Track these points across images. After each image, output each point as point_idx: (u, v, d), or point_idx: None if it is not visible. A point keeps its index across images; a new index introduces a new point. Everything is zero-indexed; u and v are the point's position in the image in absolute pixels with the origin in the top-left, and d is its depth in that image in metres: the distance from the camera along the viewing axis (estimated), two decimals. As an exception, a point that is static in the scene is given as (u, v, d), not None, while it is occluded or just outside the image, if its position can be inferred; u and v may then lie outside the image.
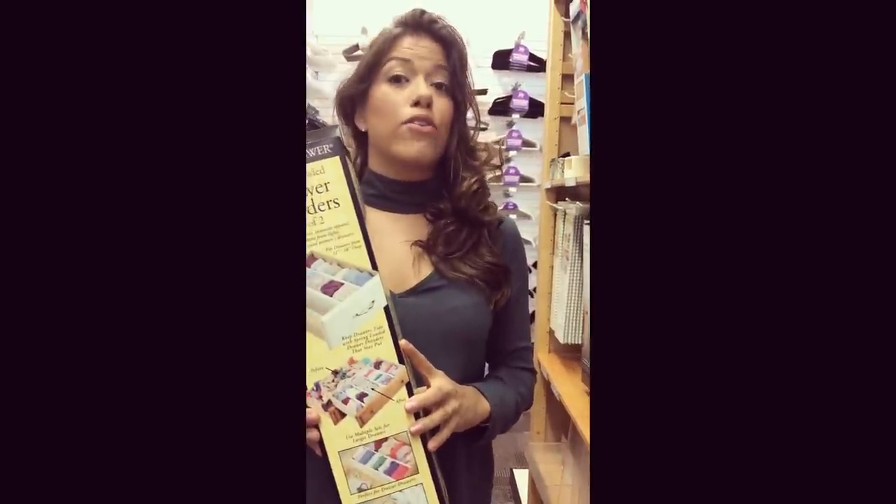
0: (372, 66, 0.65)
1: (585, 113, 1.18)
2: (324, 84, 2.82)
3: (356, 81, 0.67)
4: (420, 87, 0.63)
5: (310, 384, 0.53)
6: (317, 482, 0.55)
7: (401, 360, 0.54)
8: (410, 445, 0.54)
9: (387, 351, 0.54)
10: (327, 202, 0.52)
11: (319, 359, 0.53)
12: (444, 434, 0.57)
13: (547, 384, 1.50)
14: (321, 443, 0.54)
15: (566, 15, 1.37)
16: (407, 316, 0.60)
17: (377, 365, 0.53)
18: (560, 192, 1.46)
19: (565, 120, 1.49)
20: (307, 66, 2.76)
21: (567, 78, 1.47)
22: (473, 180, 0.67)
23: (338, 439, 0.53)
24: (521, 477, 1.92)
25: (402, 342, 0.55)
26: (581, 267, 1.28)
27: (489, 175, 0.71)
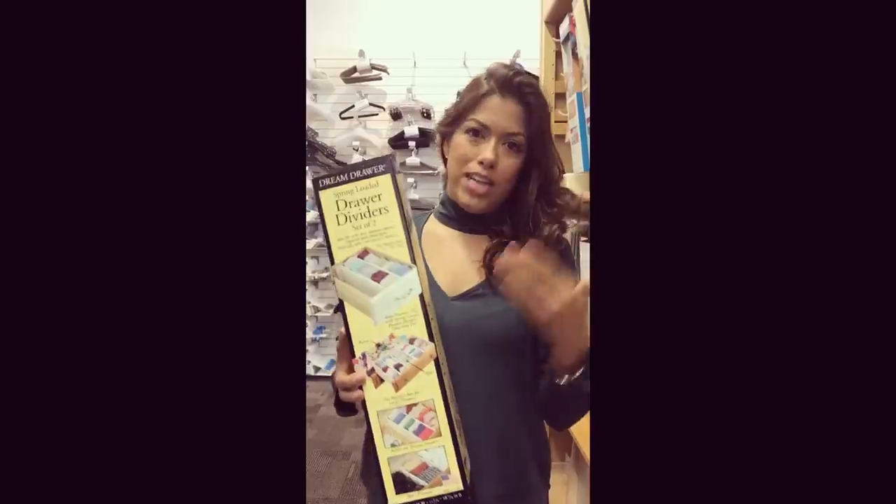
0: (457, 117, 0.75)
1: (578, 131, 1.19)
2: (322, 106, 2.86)
3: (445, 123, 0.77)
4: (488, 150, 0.71)
5: (357, 353, 0.64)
6: (378, 479, 0.64)
7: (431, 339, 0.64)
8: (436, 411, 0.64)
9: (420, 330, 0.64)
10: (379, 209, 0.65)
11: (366, 333, 0.64)
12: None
13: (549, 402, 1.48)
14: (364, 403, 0.64)
15: (557, 36, 1.39)
16: (454, 317, 0.70)
17: (411, 341, 0.64)
18: (556, 210, 1.47)
19: (559, 138, 1.51)
20: (307, 88, 2.80)
21: (560, 97, 1.48)
22: (555, 227, 0.74)
23: (377, 401, 0.64)
24: (527, 497, 1.89)
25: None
26: (579, 284, 1.28)
27: (570, 223, 0.77)
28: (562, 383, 0.66)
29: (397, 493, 0.63)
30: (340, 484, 2.06)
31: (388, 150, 2.91)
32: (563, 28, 1.22)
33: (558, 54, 1.45)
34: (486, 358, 0.71)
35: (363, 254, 0.64)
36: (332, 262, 0.65)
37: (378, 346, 0.64)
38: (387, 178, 0.64)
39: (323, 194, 0.65)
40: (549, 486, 0.80)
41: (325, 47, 2.79)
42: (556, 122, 1.52)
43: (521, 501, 0.75)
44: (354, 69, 2.74)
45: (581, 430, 1.09)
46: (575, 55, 1.16)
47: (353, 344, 0.64)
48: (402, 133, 2.80)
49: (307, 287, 2.90)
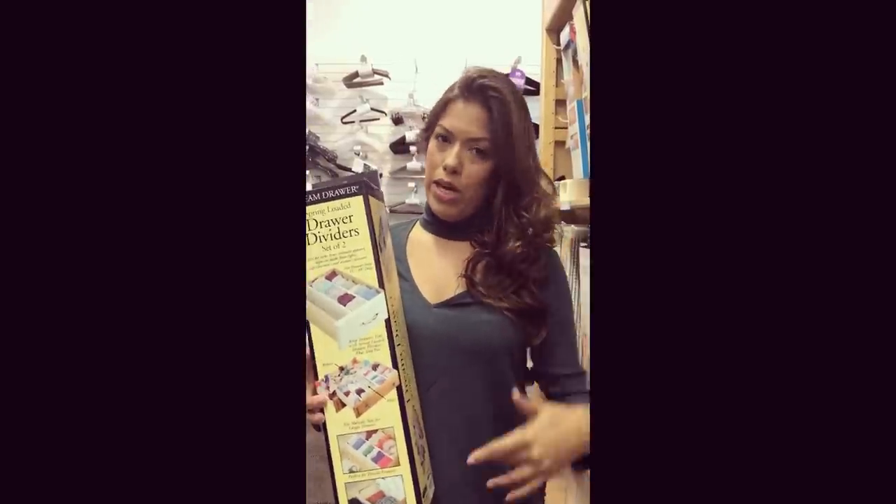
0: (429, 124, 0.76)
1: (578, 137, 1.20)
2: (324, 111, 2.86)
3: (424, 129, 0.78)
4: (451, 155, 0.71)
5: (321, 376, 0.64)
6: None
7: (395, 366, 0.63)
8: (395, 440, 0.63)
9: (383, 356, 0.63)
10: (349, 231, 0.64)
11: (330, 356, 0.64)
12: (522, 490, 0.59)
13: (547, 407, 1.48)
14: (324, 425, 0.64)
15: (557, 43, 1.40)
16: (437, 325, 0.70)
17: (374, 367, 0.64)
18: (556, 215, 1.48)
19: (559, 144, 1.51)
20: (308, 93, 2.81)
21: (560, 103, 1.49)
22: (517, 244, 0.71)
23: (337, 425, 0.64)
24: (525, 502, 1.88)
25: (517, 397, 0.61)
26: (578, 290, 1.28)
27: (543, 235, 0.74)
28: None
29: None
30: (338, 488, 2.05)
31: (389, 155, 2.92)
32: (564, 36, 1.23)
33: (559, 61, 1.46)
34: (469, 367, 0.69)
35: (331, 275, 0.64)
36: None
37: (341, 369, 0.63)
38: (359, 199, 0.63)
39: None
40: (544, 494, 0.79)
41: (327, 52, 2.79)
42: (556, 128, 1.54)
43: None
44: (356, 74, 2.75)
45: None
46: (575, 62, 1.17)
47: (317, 366, 0.64)
48: (404, 138, 2.81)
49: (307, 290, 2.89)
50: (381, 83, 2.77)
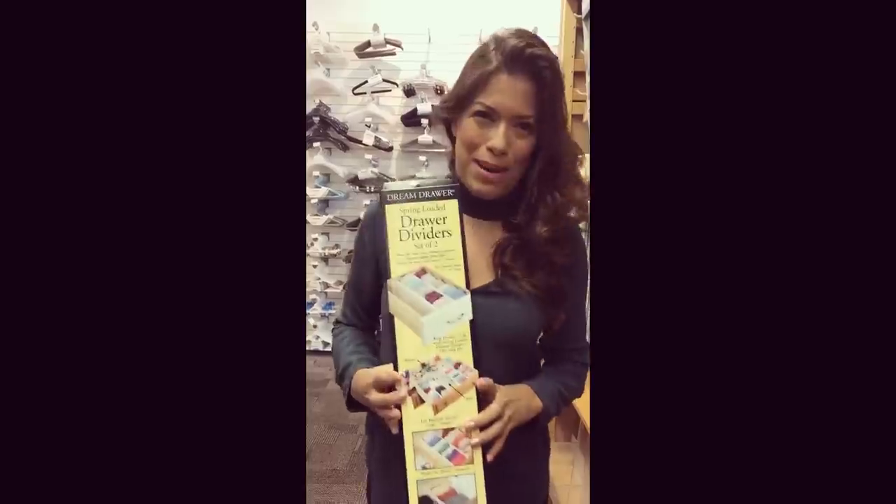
0: (463, 99, 0.68)
1: (597, 111, 1.17)
2: (335, 81, 2.83)
3: (450, 106, 0.71)
4: (498, 136, 0.66)
5: (402, 371, 0.65)
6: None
7: (476, 365, 0.65)
8: (471, 438, 0.65)
9: (465, 355, 0.65)
10: (443, 231, 0.67)
11: (413, 352, 0.65)
12: (497, 447, 0.65)
13: (557, 383, 1.49)
14: (400, 421, 0.64)
15: (578, 11, 1.36)
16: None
17: (456, 365, 0.65)
18: (571, 191, 1.46)
19: (577, 118, 1.48)
20: (320, 62, 2.77)
21: (579, 75, 1.46)
22: (545, 229, 0.69)
23: (414, 421, 0.65)
24: (531, 475, 1.91)
25: (481, 381, 0.66)
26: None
27: (571, 219, 0.72)
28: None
29: None
30: (348, 456, 2.09)
31: (400, 128, 2.88)
32: (586, 4, 1.19)
33: (579, 31, 1.42)
34: (494, 350, 0.70)
35: (420, 273, 0.66)
36: (389, 276, 0.66)
37: (423, 366, 0.64)
38: (454, 203, 0.67)
39: (389, 209, 0.66)
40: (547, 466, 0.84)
41: (340, 21, 2.74)
42: (574, 101, 1.50)
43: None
44: (368, 44, 2.70)
45: (588, 412, 1.10)
46: (597, 32, 1.13)
47: (398, 361, 0.65)
48: (415, 110, 2.77)
49: (317, 263, 2.90)
50: (394, 53, 2.72)
